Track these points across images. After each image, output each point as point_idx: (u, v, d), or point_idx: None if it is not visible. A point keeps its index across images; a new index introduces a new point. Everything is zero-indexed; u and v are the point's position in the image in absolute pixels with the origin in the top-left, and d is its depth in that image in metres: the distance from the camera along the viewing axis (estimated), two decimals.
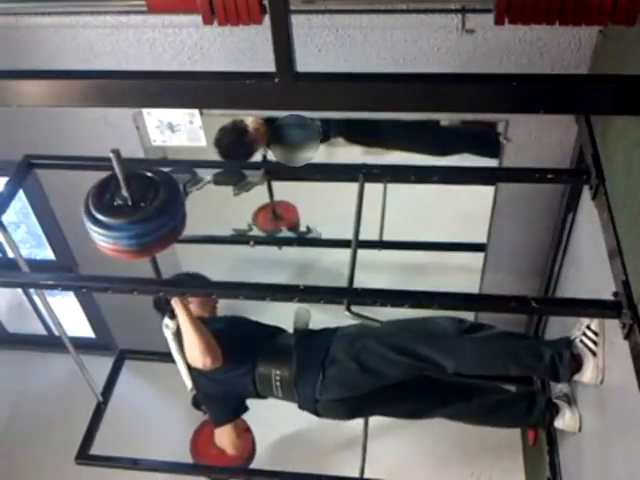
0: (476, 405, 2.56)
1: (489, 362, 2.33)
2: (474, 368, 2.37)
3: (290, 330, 2.62)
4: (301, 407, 2.56)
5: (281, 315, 2.66)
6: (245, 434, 2.76)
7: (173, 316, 2.42)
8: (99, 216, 1.76)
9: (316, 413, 2.55)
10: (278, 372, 2.48)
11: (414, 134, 2.84)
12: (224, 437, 2.68)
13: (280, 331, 2.66)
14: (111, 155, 1.68)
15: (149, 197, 1.78)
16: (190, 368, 2.52)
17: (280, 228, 3.36)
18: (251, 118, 2.77)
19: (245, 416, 2.71)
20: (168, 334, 2.48)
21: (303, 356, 2.48)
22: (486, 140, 2.64)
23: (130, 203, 1.75)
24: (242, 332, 2.63)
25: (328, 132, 2.81)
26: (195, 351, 2.37)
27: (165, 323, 2.47)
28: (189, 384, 2.59)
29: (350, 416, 2.64)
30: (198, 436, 2.89)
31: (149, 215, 1.75)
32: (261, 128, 2.79)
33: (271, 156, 2.88)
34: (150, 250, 1.87)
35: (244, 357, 2.50)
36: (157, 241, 1.79)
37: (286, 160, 2.54)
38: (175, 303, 2.33)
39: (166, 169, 2.14)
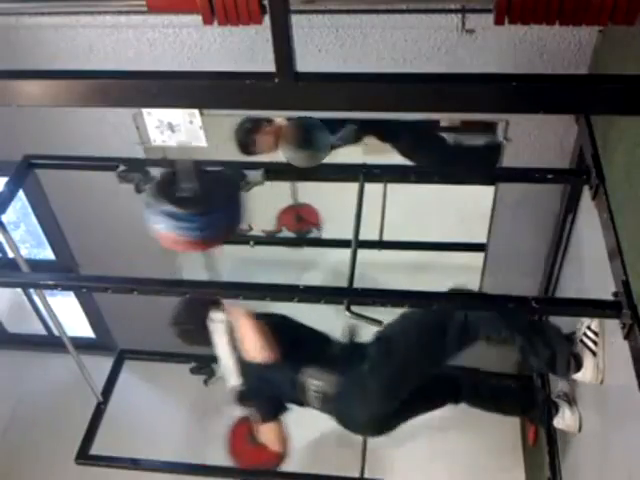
0: (481, 389, 2.60)
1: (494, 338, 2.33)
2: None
3: (337, 337, 2.59)
4: (340, 423, 2.55)
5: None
6: (284, 431, 2.72)
7: (221, 310, 2.41)
8: (167, 207, 1.76)
9: (357, 431, 2.57)
10: (316, 383, 2.45)
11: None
12: (269, 433, 2.66)
13: (327, 339, 2.62)
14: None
15: (213, 190, 1.78)
16: (240, 364, 2.50)
17: (308, 229, 3.36)
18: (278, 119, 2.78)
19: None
20: (217, 328, 2.45)
21: (344, 370, 2.44)
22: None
23: (195, 195, 1.75)
24: (291, 333, 2.60)
25: (360, 133, 2.83)
26: (255, 345, 2.37)
27: (213, 317, 2.44)
28: (235, 379, 2.57)
29: (383, 432, 2.62)
30: (234, 433, 2.88)
31: (214, 207, 1.74)
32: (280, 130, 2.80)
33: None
34: (212, 242, 1.87)
35: (288, 359, 2.48)
36: (219, 233, 1.80)
37: (300, 162, 2.54)
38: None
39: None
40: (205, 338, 2.52)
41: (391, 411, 2.48)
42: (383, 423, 2.54)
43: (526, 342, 2.29)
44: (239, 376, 2.56)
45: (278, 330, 2.50)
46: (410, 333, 2.41)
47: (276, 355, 2.41)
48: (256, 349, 2.39)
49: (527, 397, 2.64)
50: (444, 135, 2.93)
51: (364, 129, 2.84)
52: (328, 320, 2.55)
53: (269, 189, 2.48)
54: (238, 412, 2.80)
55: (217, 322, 2.43)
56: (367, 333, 2.53)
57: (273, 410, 2.63)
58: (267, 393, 2.59)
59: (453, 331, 2.32)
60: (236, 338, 2.44)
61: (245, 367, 2.52)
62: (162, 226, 1.79)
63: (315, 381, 2.46)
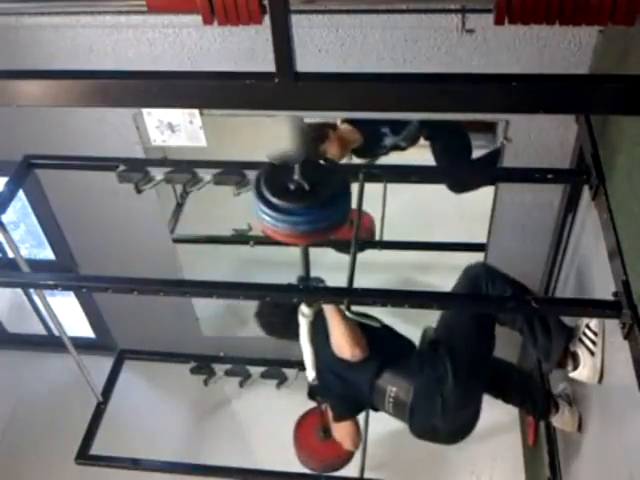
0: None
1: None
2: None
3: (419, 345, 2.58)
4: (414, 431, 2.52)
5: None
6: (359, 431, 2.72)
7: (309, 304, 2.37)
8: (275, 200, 1.74)
9: (436, 440, 2.54)
10: (394, 389, 2.43)
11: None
12: (344, 431, 2.66)
13: (411, 346, 2.59)
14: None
15: (321, 184, 1.77)
16: (317, 359, 2.48)
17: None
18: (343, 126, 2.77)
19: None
20: (304, 322, 2.42)
21: (422, 378, 2.42)
22: None
23: (305, 188, 1.74)
24: (378, 334, 2.53)
25: (420, 133, 2.83)
26: (346, 341, 2.36)
27: (303, 310, 2.40)
28: (312, 374, 2.54)
29: (456, 441, 2.61)
30: (304, 425, 2.89)
31: (324, 201, 1.74)
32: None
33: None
34: (319, 236, 1.86)
35: (372, 361, 2.45)
36: (328, 227, 1.79)
37: None
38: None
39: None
40: (287, 331, 2.53)
41: (471, 417, 2.49)
42: (464, 430, 2.54)
43: (526, 324, 2.29)
44: (314, 370, 2.53)
45: (366, 330, 2.45)
46: (464, 333, 2.40)
47: (365, 353, 2.39)
48: (345, 345, 2.37)
49: (529, 386, 2.62)
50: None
51: (421, 129, 2.83)
52: None
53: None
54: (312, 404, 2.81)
55: (305, 315, 2.39)
56: None
57: (350, 408, 2.62)
58: (344, 392, 2.56)
59: (488, 318, 2.34)
60: (326, 333, 2.42)
61: (328, 363, 2.49)
62: (267, 218, 1.78)
63: (393, 387, 2.44)
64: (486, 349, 2.41)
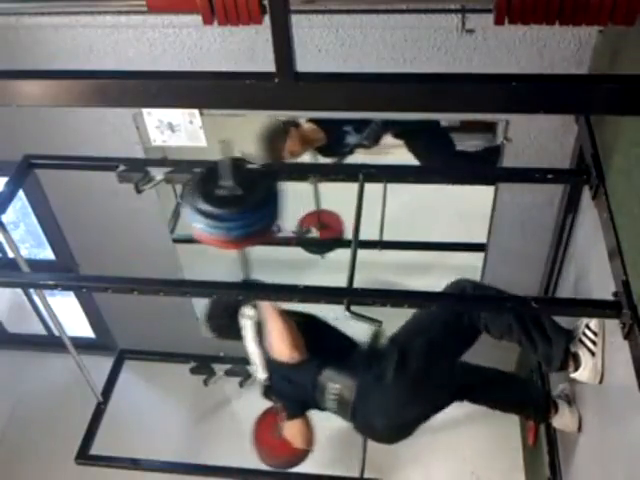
0: (487, 386, 2.58)
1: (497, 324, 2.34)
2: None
3: (361, 343, 2.58)
4: (356, 428, 2.54)
5: None
6: (311, 428, 2.72)
7: (252, 305, 2.40)
8: (206, 207, 1.76)
9: (374, 437, 2.56)
10: (337, 386, 2.44)
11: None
12: (293, 430, 2.67)
13: (353, 343, 2.60)
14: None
15: (250, 189, 1.79)
16: (267, 360, 2.50)
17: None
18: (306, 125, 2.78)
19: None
20: (247, 324, 2.45)
21: (364, 376, 2.43)
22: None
23: (233, 194, 1.76)
24: (319, 333, 2.58)
25: (382, 132, 2.83)
26: (284, 344, 2.36)
27: (244, 312, 2.44)
28: (263, 375, 2.56)
29: (402, 438, 2.59)
30: (261, 424, 2.89)
31: (255, 205, 1.77)
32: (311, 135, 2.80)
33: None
34: (249, 241, 1.88)
35: (314, 359, 2.46)
36: (257, 233, 1.81)
37: None
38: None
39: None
40: (238, 333, 2.53)
41: (412, 417, 2.47)
42: (402, 430, 2.52)
43: (524, 334, 2.29)
44: (265, 372, 2.55)
45: (306, 330, 2.48)
46: (423, 335, 2.40)
47: (303, 354, 2.40)
48: (283, 348, 2.38)
49: (527, 393, 2.63)
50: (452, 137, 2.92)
51: (385, 128, 2.84)
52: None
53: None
54: (267, 404, 2.82)
55: (247, 318, 2.43)
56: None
57: (298, 408, 2.63)
58: (291, 391, 2.58)
59: (462, 327, 2.33)
60: (264, 334, 2.44)
61: (272, 364, 2.51)
62: (199, 225, 1.79)
63: (335, 385, 2.44)
64: (449, 355, 2.40)
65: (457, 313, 2.36)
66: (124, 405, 3.39)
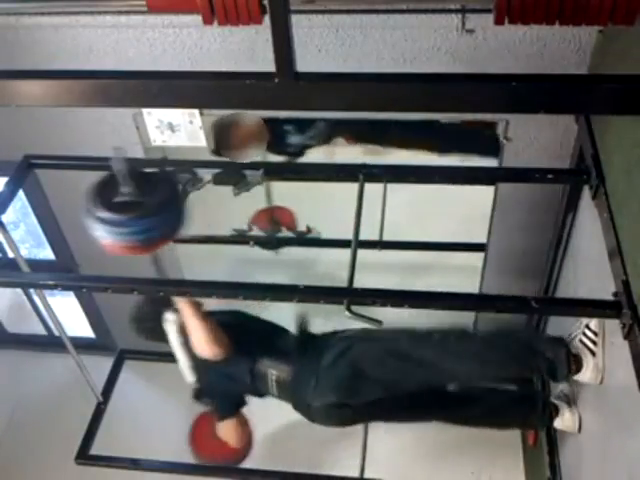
0: (474, 409, 2.55)
1: (489, 364, 2.33)
2: (473, 371, 2.37)
3: (292, 331, 2.62)
4: (296, 409, 2.57)
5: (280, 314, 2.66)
6: (245, 427, 2.76)
7: (175, 310, 2.43)
8: (104, 213, 1.77)
9: (310, 418, 2.56)
10: (275, 372, 2.49)
11: (415, 132, 2.83)
12: (227, 430, 2.68)
13: (283, 331, 2.66)
14: (113, 152, 1.68)
15: (149, 193, 1.80)
16: (195, 361, 2.52)
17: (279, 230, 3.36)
18: (252, 117, 2.75)
19: (245, 413, 2.71)
20: (171, 328, 2.48)
21: (299, 359, 2.49)
22: (485, 140, 2.63)
23: (132, 200, 1.77)
24: (245, 327, 2.63)
25: (330, 132, 2.81)
26: (204, 341, 2.39)
27: (167, 317, 2.47)
28: (191, 377, 2.59)
29: (342, 423, 2.63)
30: (197, 428, 2.88)
31: (151, 210, 1.76)
32: (258, 128, 2.78)
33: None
34: (153, 245, 1.90)
35: (245, 352, 2.50)
36: (160, 236, 1.81)
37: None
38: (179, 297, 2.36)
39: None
40: (163, 336, 2.55)
41: (348, 403, 2.47)
42: (339, 413, 2.53)
43: (521, 368, 2.30)
44: (194, 374, 2.57)
45: (232, 325, 2.52)
46: (378, 344, 2.44)
47: (226, 351, 2.42)
48: (204, 346, 2.40)
49: (526, 407, 2.61)
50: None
51: (335, 129, 2.83)
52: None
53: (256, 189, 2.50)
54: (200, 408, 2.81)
55: (170, 321, 2.47)
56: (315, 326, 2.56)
57: (230, 406, 2.66)
58: (225, 389, 2.61)
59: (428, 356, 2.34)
60: (188, 336, 2.46)
61: (200, 364, 2.53)
62: (100, 233, 1.81)
63: (273, 370, 2.49)
64: (384, 371, 2.41)
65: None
66: (124, 405, 3.39)
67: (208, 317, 2.41)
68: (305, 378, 2.46)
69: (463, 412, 2.56)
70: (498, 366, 2.33)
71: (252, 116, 2.59)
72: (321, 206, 3.29)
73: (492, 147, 2.56)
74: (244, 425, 2.73)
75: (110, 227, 1.78)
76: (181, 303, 2.39)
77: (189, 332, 2.43)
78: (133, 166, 1.83)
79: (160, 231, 1.84)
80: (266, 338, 2.60)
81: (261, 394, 2.62)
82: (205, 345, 2.40)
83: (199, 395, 2.70)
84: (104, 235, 1.81)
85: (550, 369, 2.27)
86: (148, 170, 1.89)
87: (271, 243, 3.34)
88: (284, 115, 2.61)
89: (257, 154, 2.66)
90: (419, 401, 2.54)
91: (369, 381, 2.41)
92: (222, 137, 2.65)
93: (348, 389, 2.44)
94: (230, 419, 2.66)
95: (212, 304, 2.52)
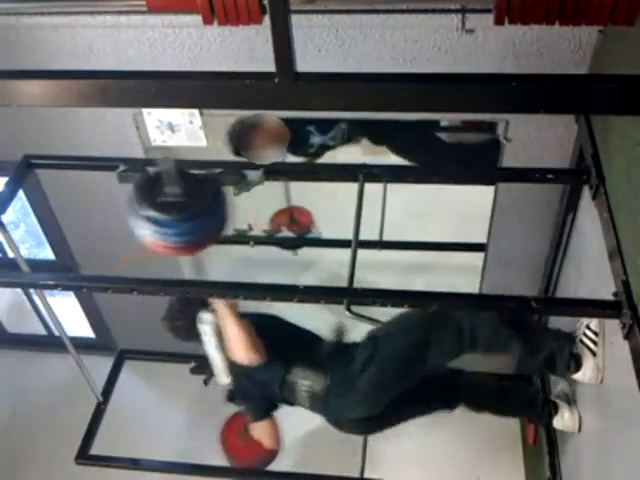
0: (478, 391, 2.59)
1: (493, 344, 2.33)
2: (490, 338, 2.34)
3: (326, 338, 2.59)
4: (327, 421, 2.56)
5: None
6: (277, 428, 2.74)
7: (210, 310, 2.39)
8: (151, 212, 1.77)
9: (339, 428, 2.56)
10: (308, 383, 2.46)
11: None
12: (262, 430, 2.68)
13: (318, 339, 2.61)
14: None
15: (194, 195, 1.79)
16: (231, 364, 2.50)
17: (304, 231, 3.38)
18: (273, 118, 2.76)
19: None
20: (205, 329, 2.44)
21: (332, 371, 2.45)
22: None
23: (178, 200, 1.77)
24: (281, 333, 2.59)
25: (350, 133, 2.82)
26: (242, 347, 2.37)
27: (201, 317, 2.43)
28: (226, 379, 2.57)
29: (369, 433, 2.64)
30: (228, 427, 2.88)
31: (198, 213, 1.78)
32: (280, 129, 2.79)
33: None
34: (197, 248, 1.89)
35: (278, 360, 2.47)
36: (204, 239, 1.82)
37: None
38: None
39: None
40: (195, 335, 2.53)
41: (378, 412, 2.47)
42: (371, 423, 2.53)
43: (524, 347, 2.28)
44: (228, 376, 2.56)
45: (266, 331, 2.49)
46: (399, 339, 2.40)
47: (262, 357, 2.40)
48: (241, 351, 2.38)
49: (526, 398, 2.63)
50: (441, 134, 2.91)
51: (355, 130, 2.83)
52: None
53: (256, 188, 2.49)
54: (231, 409, 2.80)
55: (205, 323, 2.43)
56: (358, 333, 2.52)
57: (264, 409, 2.64)
58: (257, 393, 2.58)
59: (448, 340, 2.31)
60: (224, 338, 2.44)
61: (234, 367, 2.52)
62: (145, 232, 1.80)
63: (305, 381, 2.46)
64: (412, 364, 2.39)
65: (443, 323, 2.34)
66: (124, 405, 3.39)
67: (245, 321, 2.38)
68: (337, 392, 2.43)
69: (468, 396, 2.56)
70: (508, 339, 2.31)
71: (273, 117, 2.60)
72: (321, 206, 3.30)
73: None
74: (276, 427, 2.71)
75: (156, 227, 1.78)
76: (218, 304, 2.36)
77: (226, 335, 2.40)
78: (179, 167, 1.82)
79: (204, 234, 1.84)
80: (299, 347, 2.55)
81: (291, 403, 2.60)
82: (242, 350, 2.37)
83: (232, 397, 2.69)
84: (149, 234, 1.80)
85: (551, 360, 2.27)
86: (193, 171, 1.88)
87: (274, 243, 3.35)
88: (305, 116, 2.60)
89: (278, 155, 2.66)
90: (434, 391, 2.55)
91: (394, 385, 2.40)
92: (243, 138, 2.65)
93: (377, 398, 2.43)
94: (263, 421, 2.65)
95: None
